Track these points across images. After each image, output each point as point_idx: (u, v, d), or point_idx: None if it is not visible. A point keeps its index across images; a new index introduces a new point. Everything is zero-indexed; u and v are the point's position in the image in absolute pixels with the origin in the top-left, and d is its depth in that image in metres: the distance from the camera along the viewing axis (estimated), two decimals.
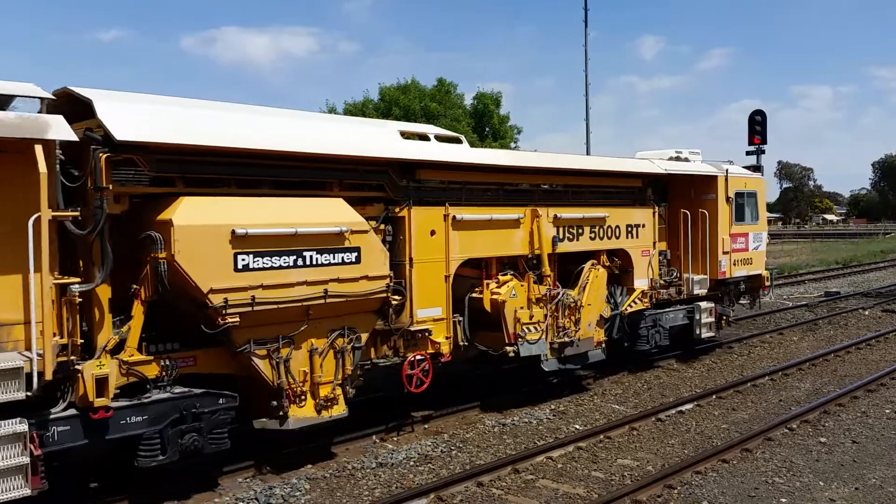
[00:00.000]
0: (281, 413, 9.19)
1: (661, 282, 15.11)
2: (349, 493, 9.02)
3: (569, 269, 13.26)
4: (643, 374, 15.11)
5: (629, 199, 14.56)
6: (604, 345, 13.49)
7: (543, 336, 12.23)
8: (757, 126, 26.00)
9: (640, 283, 14.55)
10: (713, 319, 16.04)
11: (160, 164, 8.38)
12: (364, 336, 9.95)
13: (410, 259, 10.60)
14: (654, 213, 14.82)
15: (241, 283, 8.52)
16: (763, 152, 25.69)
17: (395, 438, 11.11)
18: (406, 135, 10.89)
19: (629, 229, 14.24)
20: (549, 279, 12.41)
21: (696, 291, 15.73)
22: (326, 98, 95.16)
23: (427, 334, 10.84)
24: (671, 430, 11.45)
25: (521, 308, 11.94)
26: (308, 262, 9.10)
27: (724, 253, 16.30)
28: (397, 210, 10.51)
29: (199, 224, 8.23)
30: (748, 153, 25.87)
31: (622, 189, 14.42)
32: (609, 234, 13.79)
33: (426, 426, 11.65)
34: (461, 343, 11.66)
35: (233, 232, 8.41)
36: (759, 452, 10.27)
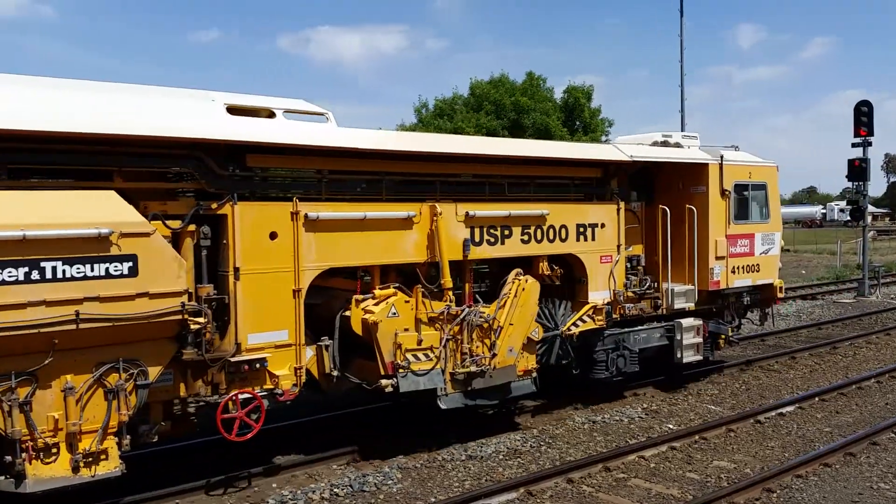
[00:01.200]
0: (18, 470, 7.03)
1: (630, 294, 12.27)
2: (439, 483, 9.09)
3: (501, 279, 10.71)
4: (741, 375, 14.66)
5: (582, 192, 11.81)
6: (535, 374, 10.82)
7: (439, 364, 9.69)
8: (863, 117, 25.55)
9: (599, 295, 11.78)
10: (701, 339, 13.08)
11: None
12: (154, 370, 7.66)
13: (236, 269, 8.27)
14: (618, 209, 12.00)
15: None
16: (870, 144, 25.69)
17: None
18: (236, 109, 8.54)
19: (581, 230, 11.50)
20: (450, 293, 9.86)
21: (677, 305, 12.80)
22: (419, 94, 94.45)
23: (261, 365, 8.48)
24: (770, 432, 11.07)
25: (406, 330, 9.40)
26: (49, 276, 6.88)
27: (718, 258, 13.28)
28: (215, 206, 8.18)
29: None
30: (854, 145, 25.80)
31: (572, 180, 11.68)
32: (551, 236, 11.10)
33: (517, 420, 11.51)
34: (331, 373, 9.28)
35: None
36: (864, 457, 9.90)
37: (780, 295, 14.64)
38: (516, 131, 36.63)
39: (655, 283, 12.77)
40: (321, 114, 9.24)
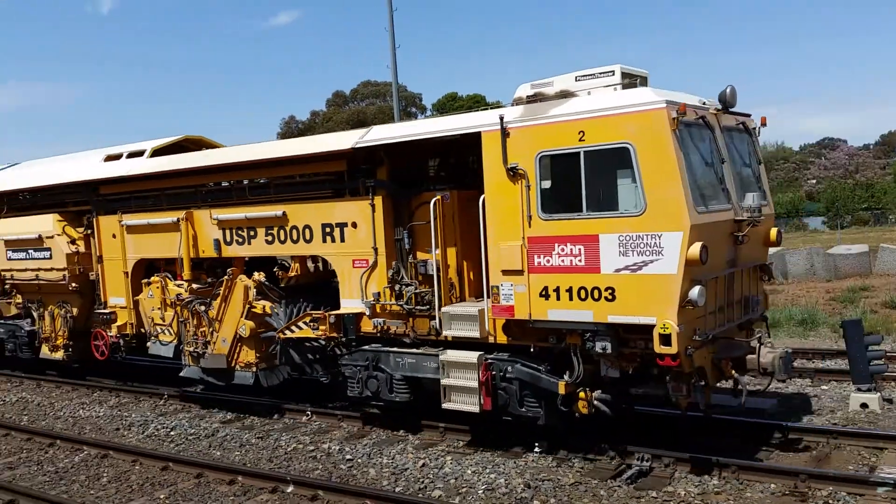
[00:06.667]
0: None
1: (395, 307, 10.01)
2: None
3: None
4: None
5: (330, 188, 10.60)
6: (254, 368, 11.19)
7: (176, 340, 12.11)
8: None
9: (351, 303, 10.45)
10: (475, 383, 9.00)
11: None
12: (76, 310, 14.13)
13: (100, 256, 13.63)
14: (371, 205, 10.08)
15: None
16: None
17: None
18: (108, 157, 13.61)
19: (328, 230, 10.62)
20: (188, 284, 12.00)
21: (447, 331, 9.43)
22: None
23: (112, 317, 13.51)
24: None
25: (156, 308, 12.38)
26: (33, 257, 14.44)
27: (508, 273, 8.76)
28: (91, 219, 13.71)
29: None
30: None
31: (314, 177, 10.69)
32: (294, 237, 10.96)
33: None
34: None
35: None
36: None
37: (664, 350, 7.58)
38: None
39: (433, 300, 9.71)
40: (140, 151, 13.11)
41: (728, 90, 8.69)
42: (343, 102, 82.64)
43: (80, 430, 11.92)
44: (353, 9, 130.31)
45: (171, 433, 11.39)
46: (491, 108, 9.28)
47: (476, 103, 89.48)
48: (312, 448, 10.23)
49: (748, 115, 9.75)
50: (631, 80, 8.85)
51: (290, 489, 8.70)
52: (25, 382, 15.77)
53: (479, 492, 8.38)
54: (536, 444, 9.39)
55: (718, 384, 8.72)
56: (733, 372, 8.41)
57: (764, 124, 9.79)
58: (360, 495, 8.25)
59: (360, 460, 9.65)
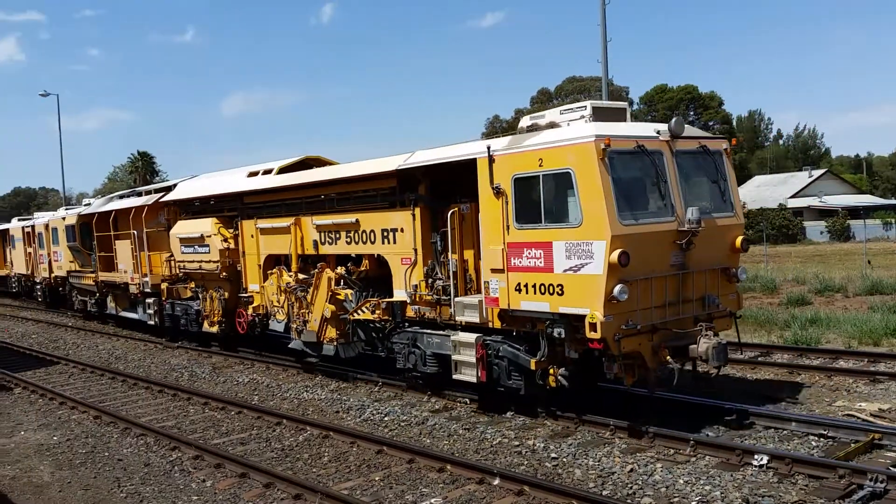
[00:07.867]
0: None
1: (428, 297, 12.43)
2: None
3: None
4: None
5: (386, 201, 13.17)
6: (335, 343, 14.05)
7: (287, 319, 15.31)
8: None
9: (400, 293, 13.02)
10: (473, 359, 11.20)
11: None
12: (226, 294, 17.93)
13: (243, 252, 17.25)
14: (413, 215, 12.58)
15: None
16: None
17: None
18: (250, 173, 17.16)
19: (385, 234, 13.28)
20: (295, 274, 15.16)
21: (459, 317, 11.72)
22: None
23: (250, 299, 17.08)
24: None
25: (274, 294, 15.66)
26: (197, 251, 18.48)
27: (494, 271, 10.91)
28: (237, 222, 17.37)
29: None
30: None
31: (377, 191, 13.31)
32: (364, 239, 13.74)
33: None
34: None
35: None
36: None
37: (592, 335, 9.36)
38: None
39: (450, 291, 12.03)
40: (269, 169, 16.49)
41: (673, 121, 10.26)
42: (547, 99, 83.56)
43: (304, 412, 12.93)
44: (557, 6, 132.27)
45: (385, 419, 12.11)
46: (482, 140, 11.48)
47: (687, 94, 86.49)
48: (517, 443, 10.33)
49: (722, 138, 11.15)
50: (605, 113, 10.70)
51: (496, 482, 8.81)
52: (256, 365, 17.33)
53: (693, 503, 8.07)
54: (756, 456, 8.92)
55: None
56: (668, 358, 9.99)
57: (734, 145, 11.12)
58: (566, 495, 8.12)
59: (565, 460, 9.62)
